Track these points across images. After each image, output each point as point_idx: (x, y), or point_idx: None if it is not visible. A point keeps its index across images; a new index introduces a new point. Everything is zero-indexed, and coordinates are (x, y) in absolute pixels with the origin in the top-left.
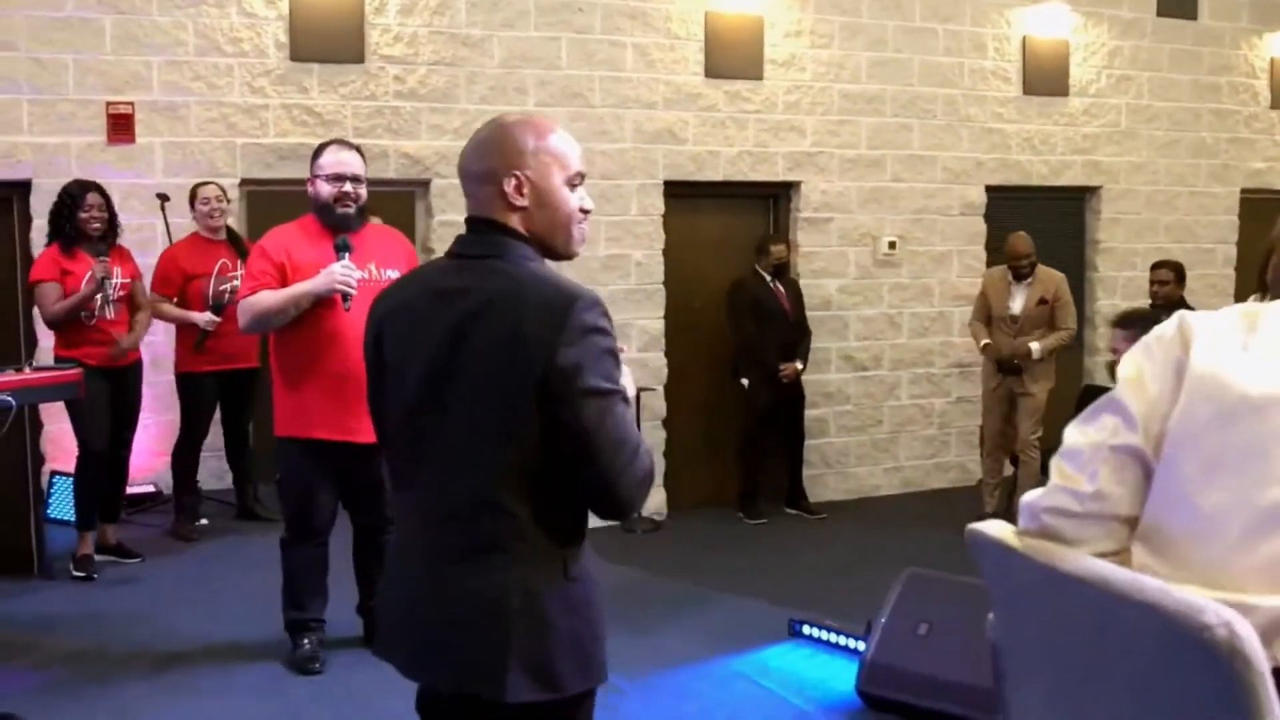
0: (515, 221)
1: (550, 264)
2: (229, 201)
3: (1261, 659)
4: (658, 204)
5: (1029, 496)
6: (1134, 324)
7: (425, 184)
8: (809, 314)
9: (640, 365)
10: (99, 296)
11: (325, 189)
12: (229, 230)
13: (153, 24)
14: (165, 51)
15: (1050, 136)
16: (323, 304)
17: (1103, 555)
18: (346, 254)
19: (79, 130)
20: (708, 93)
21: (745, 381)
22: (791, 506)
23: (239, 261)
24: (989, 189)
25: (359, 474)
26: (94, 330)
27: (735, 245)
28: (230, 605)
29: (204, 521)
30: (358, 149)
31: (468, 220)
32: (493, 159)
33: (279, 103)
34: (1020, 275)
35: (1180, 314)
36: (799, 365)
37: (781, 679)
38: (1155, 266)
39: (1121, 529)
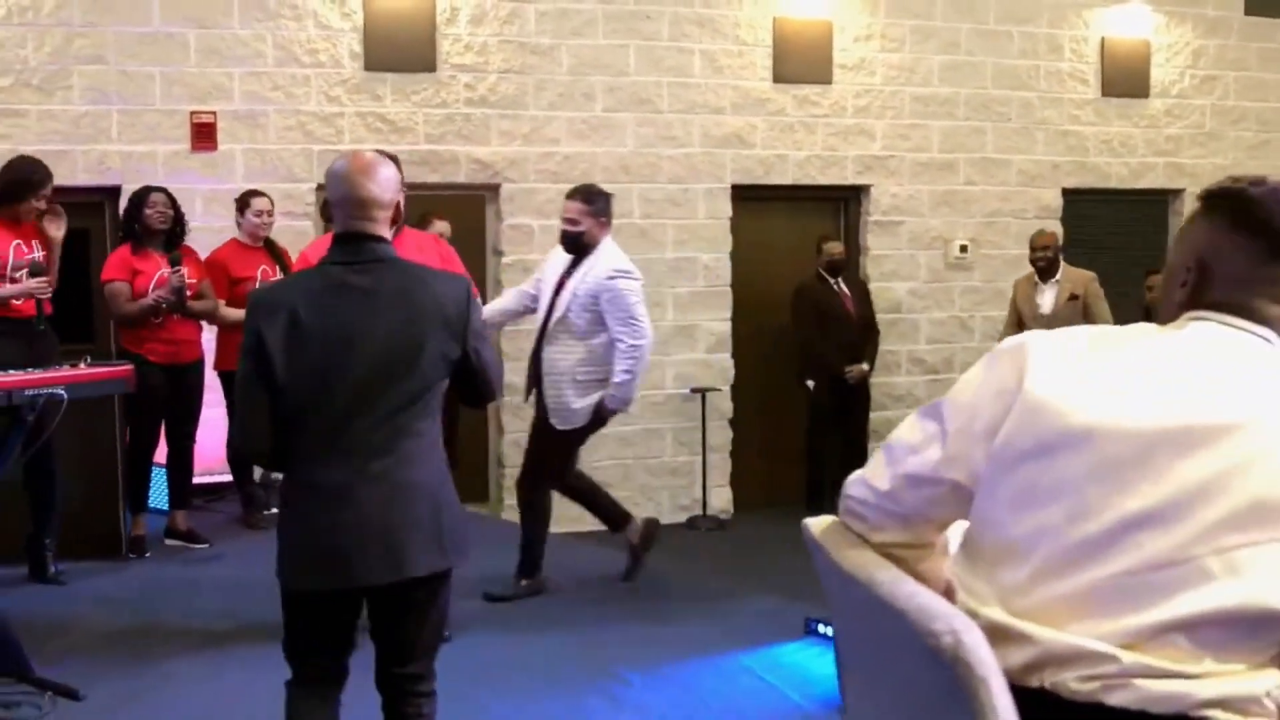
0: (389, 234)
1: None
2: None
3: (986, 667)
4: (725, 207)
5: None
6: (594, 199)
7: (495, 188)
8: (879, 316)
9: (705, 366)
10: (170, 300)
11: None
12: (266, 238)
13: (234, 37)
14: (246, 63)
15: (1130, 138)
16: None
17: (903, 546)
18: None
19: (165, 139)
20: (776, 97)
21: (811, 384)
22: None
23: (276, 267)
24: (1065, 192)
25: None
26: (160, 328)
27: (806, 248)
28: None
29: (273, 510)
30: (394, 159)
31: (353, 234)
32: (391, 190)
33: (354, 111)
34: (1041, 272)
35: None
36: (864, 367)
37: (787, 675)
38: (1150, 273)
39: (921, 524)
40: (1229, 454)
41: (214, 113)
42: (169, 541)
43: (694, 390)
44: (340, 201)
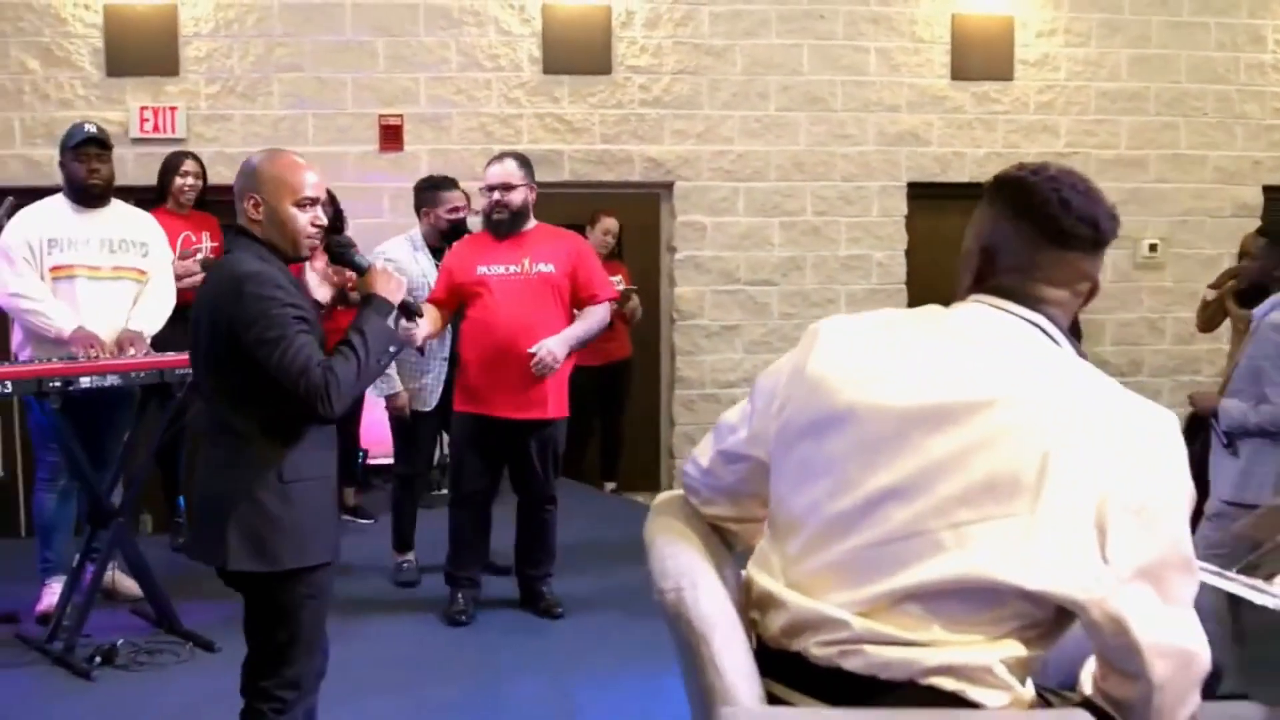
0: (256, 229)
1: None
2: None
3: (706, 623)
4: (900, 205)
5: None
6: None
7: (669, 186)
8: None
9: None
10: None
11: (482, 200)
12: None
13: (420, 44)
14: (431, 68)
15: None
16: (474, 297)
17: (733, 520)
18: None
19: (355, 141)
20: (954, 95)
21: None
22: None
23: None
24: (1267, 189)
25: (508, 448)
26: (326, 318)
27: None
28: (431, 561)
29: (443, 490)
30: (516, 157)
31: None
32: (239, 182)
33: (532, 112)
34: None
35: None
36: None
37: None
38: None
39: (744, 499)
40: (974, 431)
41: (401, 115)
42: (341, 517)
43: None
44: None
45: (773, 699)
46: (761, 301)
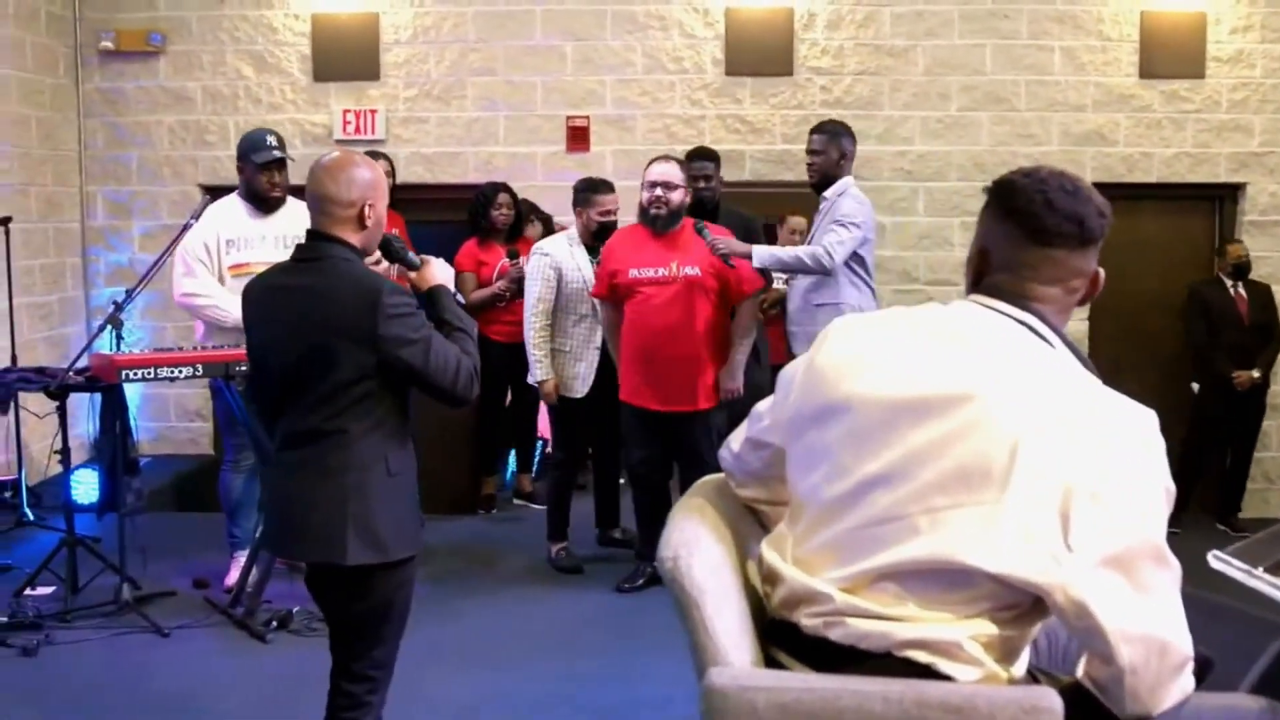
0: (359, 236)
1: None
2: None
3: (698, 588)
4: None
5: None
6: None
7: None
8: None
9: None
10: (510, 288)
11: (644, 195)
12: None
13: (606, 47)
14: (617, 71)
15: None
16: (628, 297)
17: (764, 502)
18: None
19: (544, 141)
20: (1142, 93)
21: (1195, 386)
22: (1221, 522)
23: None
24: None
25: (665, 436)
26: (504, 310)
27: (1175, 247)
28: (591, 542)
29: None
30: (678, 160)
31: (310, 231)
32: (355, 189)
33: (714, 113)
34: None
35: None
36: (1254, 374)
37: None
38: None
39: (772, 482)
40: (952, 423)
41: (587, 117)
42: (515, 501)
43: None
44: (307, 198)
45: (777, 664)
46: (941, 302)
